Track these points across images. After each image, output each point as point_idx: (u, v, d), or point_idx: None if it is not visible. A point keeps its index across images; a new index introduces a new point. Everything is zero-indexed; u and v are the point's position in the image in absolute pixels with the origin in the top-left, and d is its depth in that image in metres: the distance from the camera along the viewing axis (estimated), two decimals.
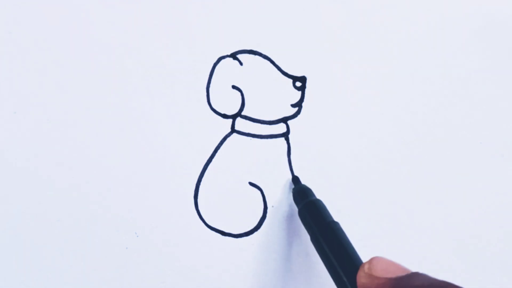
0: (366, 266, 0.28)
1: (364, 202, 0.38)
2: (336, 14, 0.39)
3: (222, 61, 0.38)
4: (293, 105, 0.38)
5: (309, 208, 0.35)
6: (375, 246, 0.37)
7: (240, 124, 0.38)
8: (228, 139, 0.37)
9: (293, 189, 0.37)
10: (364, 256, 0.30)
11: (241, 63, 0.38)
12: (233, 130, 0.38)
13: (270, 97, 0.38)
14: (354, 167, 0.38)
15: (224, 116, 0.38)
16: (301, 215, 0.35)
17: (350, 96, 0.39)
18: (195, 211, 0.36)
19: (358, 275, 0.28)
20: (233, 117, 0.38)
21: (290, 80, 0.38)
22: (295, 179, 0.37)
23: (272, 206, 0.37)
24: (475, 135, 0.39)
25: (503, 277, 0.38)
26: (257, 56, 0.38)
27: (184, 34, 0.38)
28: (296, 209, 0.37)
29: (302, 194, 0.36)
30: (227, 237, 0.36)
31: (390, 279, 0.26)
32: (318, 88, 0.38)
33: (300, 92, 0.38)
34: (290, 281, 0.36)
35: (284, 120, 0.38)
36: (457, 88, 0.39)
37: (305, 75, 0.39)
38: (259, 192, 0.37)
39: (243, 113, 0.38)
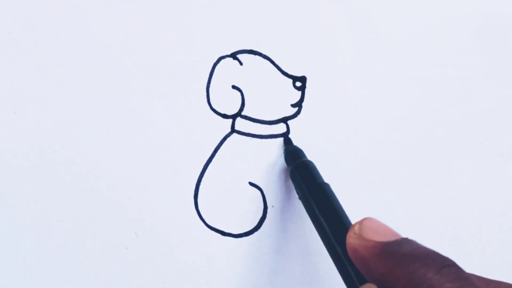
0: (356, 227, 0.27)
1: (364, 202, 0.38)
2: (336, 14, 0.39)
3: (222, 61, 0.38)
4: (293, 105, 0.38)
5: (300, 168, 0.35)
6: None
7: (240, 124, 0.38)
8: (228, 139, 0.37)
9: (285, 149, 0.37)
10: None
11: (241, 63, 0.38)
12: (233, 130, 0.38)
13: (270, 97, 0.38)
14: (354, 167, 0.38)
15: (224, 116, 0.38)
16: (292, 175, 0.35)
17: (350, 96, 0.39)
18: (195, 211, 0.36)
19: (347, 235, 0.27)
20: (233, 117, 0.38)
21: (290, 80, 0.38)
22: (287, 140, 0.37)
23: (272, 206, 0.37)
24: (475, 135, 0.39)
25: (503, 277, 0.38)
26: (257, 56, 0.38)
27: (184, 34, 0.38)
28: (296, 208, 0.37)
29: (294, 155, 0.36)
30: (227, 237, 0.36)
31: (380, 243, 0.26)
32: (318, 88, 0.38)
33: (300, 92, 0.38)
34: (290, 281, 0.36)
35: (284, 120, 0.38)
36: (457, 88, 0.39)
37: (305, 75, 0.39)
38: (259, 192, 0.37)
39: (243, 113, 0.38)
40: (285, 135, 0.38)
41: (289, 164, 0.36)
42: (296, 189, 0.35)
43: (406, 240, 0.26)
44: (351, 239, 0.27)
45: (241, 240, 0.37)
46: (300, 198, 0.34)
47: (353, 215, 0.38)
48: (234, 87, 0.38)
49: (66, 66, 0.37)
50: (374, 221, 0.27)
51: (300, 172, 0.34)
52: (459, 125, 0.39)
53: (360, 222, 0.27)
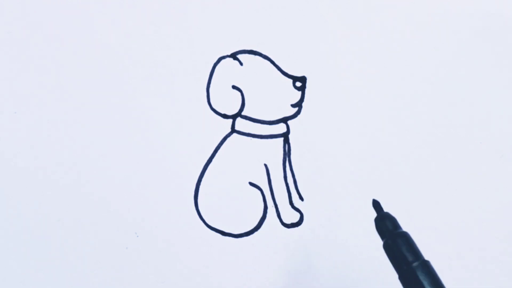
0: None
1: (363, 202, 0.38)
2: (336, 14, 0.39)
3: (222, 61, 0.38)
4: (293, 105, 0.38)
5: (398, 242, 0.31)
6: (374, 245, 0.37)
7: (240, 124, 0.38)
8: (228, 139, 0.37)
9: (376, 218, 0.32)
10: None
11: (241, 63, 0.38)
12: (233, 130, 0.38)
13: (270, 97, 0.38)
14: (354, 167, 0.38)
15: (224, 116, 0.38)
16: (388, 248, 0.31)
17: (350, 96, 0.39)
18: (195, 211, 0.36)
19: None
20: (233, 117, 0.38)
21: (290, 80, 0.38)
22: (376, 204, 0.33)
23: (272, 206, 0.37)
24: (475, 135, 0.39)
25: (503, 277, 0.38)
26: (257, 56, 0.38)
27: (184, 34, 0.38)
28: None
29: (390, 223, 0.32)
30: (227, 237, 0.36)
31: None
32: (318, 88, 0.38)
33: (300, 92, 0.38)
34: (290, 281, 0.36)
35: (284, 120, 0.38)
36: (457, 88, 0.39)
37: (305, 75, 0.39)
38: (259, 192, 0.37)
39: (243, 113, 0.38)
40: (286, 137, 0.37)
41: (382, 234, 0.32)
42: (392, 263, 0.31)
43: None
44: None
45: (241, 240, 0.37)
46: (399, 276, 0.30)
47: (353, 214, 0.38)
48: (234, 87, 0.38)
49: (66, 66, 0.37)
50: None
51: (399, 247, 0.30)
52: (459, 125, 0.39)
53: None
